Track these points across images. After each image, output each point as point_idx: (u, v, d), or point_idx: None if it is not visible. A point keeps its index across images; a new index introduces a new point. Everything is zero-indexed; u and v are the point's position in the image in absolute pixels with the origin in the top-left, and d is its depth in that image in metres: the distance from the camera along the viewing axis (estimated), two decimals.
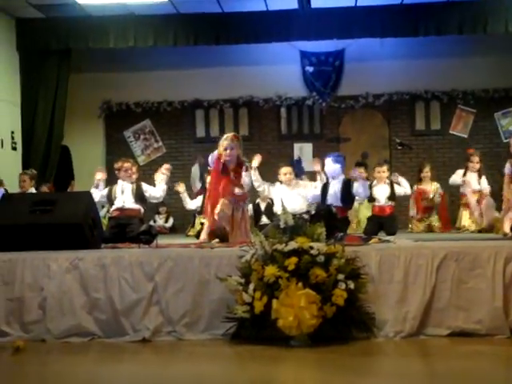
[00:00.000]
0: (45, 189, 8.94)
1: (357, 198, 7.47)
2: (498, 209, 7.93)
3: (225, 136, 6.06)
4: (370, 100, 11.05)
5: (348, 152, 9.82)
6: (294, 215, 4.60)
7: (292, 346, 3.94)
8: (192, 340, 4.23)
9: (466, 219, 8.57)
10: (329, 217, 5.16)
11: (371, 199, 8.10)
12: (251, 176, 6.85)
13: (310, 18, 9.70)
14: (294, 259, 3.98)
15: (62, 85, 10.35)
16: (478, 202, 8.42)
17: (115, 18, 9.78)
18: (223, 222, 5.77)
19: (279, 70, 10.74)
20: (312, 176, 7.96)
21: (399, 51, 10.62)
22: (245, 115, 11.40)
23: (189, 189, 8.77)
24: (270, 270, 3.98)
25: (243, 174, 6.02)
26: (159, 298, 4.33)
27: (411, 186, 8.65)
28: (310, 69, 11.12)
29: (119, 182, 7.10)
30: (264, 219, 8.47)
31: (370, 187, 7.69)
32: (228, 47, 10.31)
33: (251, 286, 4.01)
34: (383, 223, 7.93)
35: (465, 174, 8.63)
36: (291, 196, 7.33)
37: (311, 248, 4.04)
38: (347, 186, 6.97)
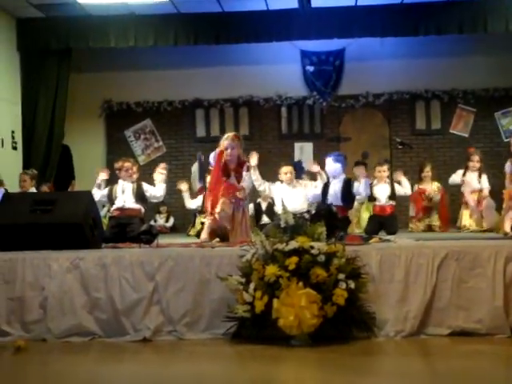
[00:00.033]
0: (45, 188, 8.94)
1: (357, 197, 7.46)
2: (499, 209, 7.94)
3: (225, 135, 6.06)
4: (371, 99, 11.04)
5: (348, 151, 9.80)
6: (294, 215, 4.61)
7: (293, 346, 3.94)
8: (193, 339, 4.23)
9: (466, 218, 8.56)
10: (329, 216, 5.15)
11: (372, 199, 8.09)
12: (253, 175, 6.85)
13: (311, 18, 9.70)
14: (294, 259, 3.98)
15: (63, 84, 10.35)
16: (478, 202, 8.42)
17: (116, 17, 9.77)
18: (224, 222, 5.78)
19: (280, 70, 10.74)
20: (313, 176, 7.95)
21: (399, 50, 10.61)
22: (245, 115, 11.39)
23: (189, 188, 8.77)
24: (271, 270, 3.98)
25: (244, 173, 6.02)
26: (160, 298, 4.34)
27: (412, 186, 8.65)
28: (310, 68, 11.12)
29: (120, 181, 7.09)
30: (265, 219, 8.47)
31: (371, 187, 7.69)
32: (228, 47, 10.30)
33: (252, 286, 4.02)
34: (384, 223, 7.93)
35: (465, 174, 8.62)
36: (292, 195, 7.33)
37: (312, 247, 4.04)
38: (348, 185, 6.97)
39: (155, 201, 7.41)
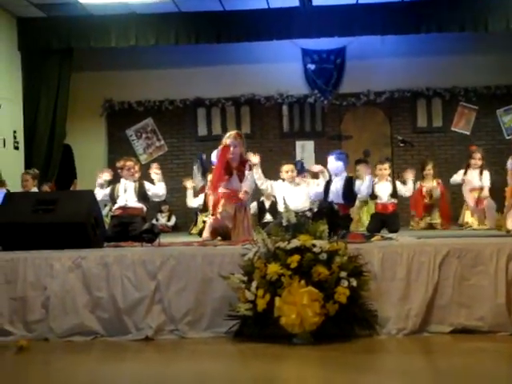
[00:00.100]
0: (46, 188, 8.93)
1: (358, 195, 7.45)
2: (501, 208, 7.93)
3: (228, 134, 6.06)
4: (372, 97, 11.03)
5: (350, 150, 9.76)
6: (296, 213, 4.60)
7: (295, 344, 3.94)
8: (195, 338, 4.24)
9: (468, 216, 8.55)
10: (331, 214, 5.15)
11: (373, 197, 8.09)
12: (256, 173, 6.86)
13: (312, 16, 9.68)
14: (296, 257, 3.98)
15: (64, 84, 10.35)
16: (479, 200, 8.40)
17: (117, 16, 9.76)
18: (225, 221, 5.78)
19: (281, 68, 10.73)
20: (315, 174, 7.94)
21: (400, 48, 10.59)
22: (247, 113, 11.39)
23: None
24: (273, 268, 3.98)
25: (246, 172, 6.02)
26: (162, 297, 4.34)
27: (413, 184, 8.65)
28: (311, 66, 11.11)
29: (122, 180, 7.10)
30: (268, 217, 8.47)
31: (372, 185, 7.67)
32: (229, 45, 10.29)
33: (254, 284, 4.02)
34: (386, 220, 7.92)
35: (466, 172, 8.61)
36: (294, 194, 7.32)
37: (314, 246, 4.04)
38: (349, 183, 6.95)
39: (157, 199, 7.43)
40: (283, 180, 7.58)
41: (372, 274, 4.19)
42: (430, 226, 8.67)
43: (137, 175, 7.13)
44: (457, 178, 8.69)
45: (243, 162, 6.01)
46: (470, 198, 8.46)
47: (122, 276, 4.36)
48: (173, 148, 11.42)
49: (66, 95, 10.37)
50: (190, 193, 8.77)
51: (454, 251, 4.27)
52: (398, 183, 8.28)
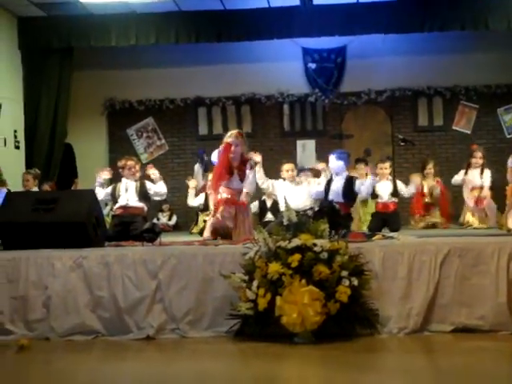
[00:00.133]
0: (46, 187, 8.92)
1: (358, 195, 7.44)
2: (502, 207, 7.93)
3: (229, 133, 6.05)
4: (373, 96, 11.02)
5: (351, 148, 9.75)
6: (297, 212, 4.60)
7: (296, 343, 3.95)
8: (195, 337, 4.24)
9: (469, 215, 8.54)
10: (332, 213, 5.15)
11: (374, 196, 8.08)
12: (257, 172, 6.86)
13: (312, 15, 9.67)
14: (297, 256, 3.98)
15: (65, 83, 10.34)
16: (479, 199, 8.40)
17: (117, 16, 9.75)
18: (226, 221, 5.78)
19: (281, 67, 10.72)
20: (316, 173, 7.94)
21: (401, 47, 10.58)
22: (247, 112, 11.38)
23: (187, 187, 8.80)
24: (274, 267, 3.98)
25: (247, 171, 6.01)
26: (163, 296, 4.34)
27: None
28: (312, 65, 11.10)
29: (123, 179, 7.10)
30: (269, 216, 8.46)
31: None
32: (230, 44, 10.28)
33: (255, 283, 4.02)
34: (387, 220, 7.92)
35: (467, 171, 8.60)
36: (294, 193, 7.32)
37: (314, 245, 4.04)
38: (350, 183, 6.93)
39: (159, 198, 7.43)
40: (284, 179, 7.58)
41: (373, 273, 4.19)
42: (431, 226, 8.66)
43: (138, 174, 7.14)
44: (458, 178, 8.68)
45: (244, 161, 6.00)
46: (469, 199, 8.46)
47: (122, 275, 4.36)
48: (173, 147, 11.41)
49: (67, 94, 10.37)
50: (191, 192, 8.78)
51: (455, 250, 4.26)
52: (399, 182, 8.27)
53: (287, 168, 7.58)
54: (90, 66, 10.80)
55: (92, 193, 5.45)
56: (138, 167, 7.17)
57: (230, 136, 5.95)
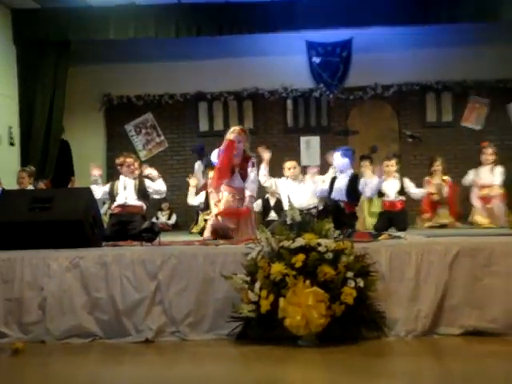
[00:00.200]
0: (41, 185, 8.93)
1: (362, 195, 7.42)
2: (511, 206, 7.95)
3: (231, 129, 6.05)
4: (379, 91, 11.01)
5: (356, 145, 9.76)
6: (301, 211, 4.60)
7: (299, 346, 3.94)
8: (196, 340, 4.24)
9: (478, 214, 8.54)
10: (337, 212, 5.15)
11: (380, 194, 8.07)
12: (262, 170, 6.87)
13: (317, 7, 9.65)
14: (301, 256, 3.97)
15: (61, 78, 10.35)
16: (487, 198, 8.40)
17: (115, 7, 9.75)
18: (227, 222, 5.78)
19: (285, 61, 10.72)
20: (322, 171, 7.94)
21: (409, 40, 10.56)
22: (249, 108, 11.38)
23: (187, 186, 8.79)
24: (277, 268, 3.97)
25: (249, 169, 6.01)
26: (162, 298, 4.34)
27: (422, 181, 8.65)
28: (316, 59, 11.09)
29: (121, 177, 7.11)
30: (272, 214, 8.47)
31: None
32: (232, 38, 10.27)
33: (257, 285, 4.01)
34: (393, 219, 7.91)
35: (478, 168, 8.61)
36: (298, 191, 7.32)
37: (319, 245, 4.03)
38: (354, 181, 6.92)
39: (158, 196, 7.44)
40: (287, 177, 7.58)
41: (379, 274, 4.19)
42: (439, 226, 8.64)
43: (137, 172, 7.15)
44: (468, 178, 8.68)
45: (246, 159, 6.00)
46: (476, 199, 8.47)
47: (121, 276, 4.36)
48: (173, 144, 11.42)
49: (63, 89, 10.37)
50: (191, 190, 8.78)
51: (465, 250, 4.26)
52: (406, 180, 8.25)
53: (289, 166, 7.58)
54: (87, 60, 10.80)
55: (89, 191, 5.45)
56: (136, 164, 7.19)
57: (233, 132, 5.95)
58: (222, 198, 5.88)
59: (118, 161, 7.27)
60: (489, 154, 8.56)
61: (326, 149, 10.15)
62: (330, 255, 4.00)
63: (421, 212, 8.90)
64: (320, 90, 11.10)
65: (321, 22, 9.75)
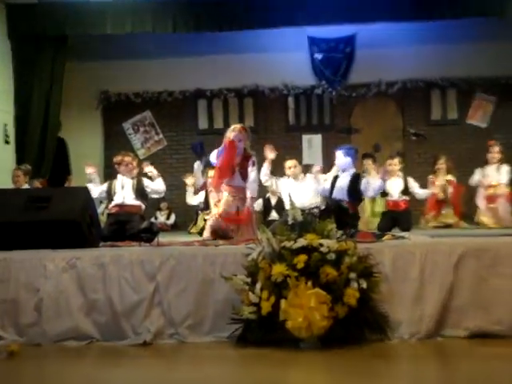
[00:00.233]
0: (37, 184, 8.94)
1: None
2: None
3: (232, 127, 6.06)
4: (383, 88, 11.02)
5: (359, 144, 9.78)
6: (302, 210, 4.60)
7: (301, 349, 3.95)
8: (196, 343, 4.24)
9: (483, 215, 8.55)
10: (339, 212, 5.15)
11: (384, 194, 8.07)
12: (265, 169, 6.88)
13: (319, 2, 9.65)
14: (303, 257, 3.98)
15: (58, 74, 10.34)
16: (492, 197, 8.40)
17: (112, 2, 9.74)
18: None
19: (286, 57, 10.72)
20: (326, 169, 7.94)
21: (414, 36, 10.56)
22: (250, 105, 11.39)
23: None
24: (278, 269, 3.98)
25: (249, 169, 6.02)
26: (161, 299, 4.34)
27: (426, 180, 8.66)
28: (319, 56, 11.10)
29: (119, 176, 7.11)
30: (273, 214, 8.48)
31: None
32: (232, 33, 10.27)
33: (258, 286, 4.02)
34: (397, 218, 7.91)
35: (484, 167, 8.61)
36: (299, 190, 7.32)
37: (321, 245, 4.03)
38: (356, 181, 6.90)
39: (157, 196, 7.45)
40: (288, 177, 7.58)
41: (383, 275, 4.19)
42: (444, 227, 8.65)
43: (135, 171, 7.15)
44: (475, 178, 8.68)
45: (247, 158, 6.01)
46: (481, 199, 8.48)
47: (118, 277, 4.37)
48: (172, 142, 11.44)
49: (60, 86, 10.37)
50: (190, 190, 8.80)
51: (471, 250, 4.26)
52: (410, 180, 8.26)
53: (290, 165, 7.58)
54: (84, 56, 10.80)
55: (86, 190, 5.46)
56: (134, 163, 7.19)
57: (233, 130, 5.96)
58: (221, 198, 5.89)
59: (116, 159, 7.27)
60: (495, 152, 8.57)
61: (328, 147, 10.17)
62: (332, 256, 4.00)
63: (425, 211, 8.90)
64: (322, 87, 11.10)
65: (323, 17, 9.74)
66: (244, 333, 4.13)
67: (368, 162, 8.52)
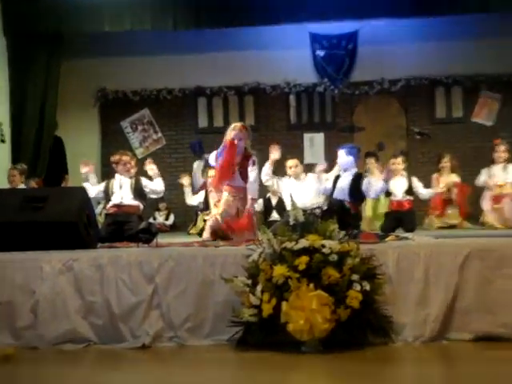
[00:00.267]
0: (33, 184, 8.95)
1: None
2: None
3: (232, 126, 6.06)
4: (386, 86, 11.02)
5: (362, 142, 9.77)
6: (304, 211, 4.60)
7: (303, 352, 3.94)
8: (195, 346, 4.24)
9: (490, 215, 8.55)
10: (342, 212, 5.15)
11: (387, 193, 8.08)
12: (266, 168, 6.88)
13: None
14: (304, 258, 3.97)
15: (54, 72, 10.35)
16: (499, 197, 8.40)
17: None
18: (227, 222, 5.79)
19: (288, 55, 10.72)
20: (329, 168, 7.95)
21: (417, 32, 10.56)
22: (251, 103, 11.40)
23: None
24: (279, 270, 3.97)
25: (249, 168, 6.02)
26: (160, 301, 4.34)
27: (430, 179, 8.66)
28: (320, 53, 11.10)
29: (117, 176, 7.12)
30: (274, 215, 8.48)
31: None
32: (232, 30, 10.28)
33: (259, 288, 4.01)
34: (401, 219, 7.91)
35: (490, 167, 8.62)
36: (301, 190, 7.32)
37: (323, 246, 4.03)
38: (357, 181, 6.91)
39: (155, 196, 7.46)
40: (289, 176, 7.58)
41: (386, 277, 4.18)
42: (449, 227, 8.65)
43: (133, 171, 7.15)
44: (482, 178, 8.67)
45: (247, 157, 6.01)
46: (487, 202, 8.48)
47: (116, 279, 4.36)
48: (171, 141, 11.44)
49: (56, 84, 10.38)
50: (187, 190, 8.79)
51: (476, 252, 4.25)
52: (414, 179, 8.26)
53: (290, 164, 7.59)
54: (81, 53, 10.81)
55: (83, 190, 5.46)
56: (133, 163, 7.20)
57: (234, 129, 5.96)
58: (222, 198, 5.89)
59: (113, 159, 7.28)
60: (501, 151, 8.58)
61: (330, 146, 10.17)
62: (334, 257, 4.00)
63: (429, 211, 8.90)
64: (324, 84, 11.10)
65: (325, 13, 9.74)
66: (244, 336, 4.12)
67: (371, 161, 8.53)
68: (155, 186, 7.07)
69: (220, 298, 4.28)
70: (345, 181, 6.89)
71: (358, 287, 3.95)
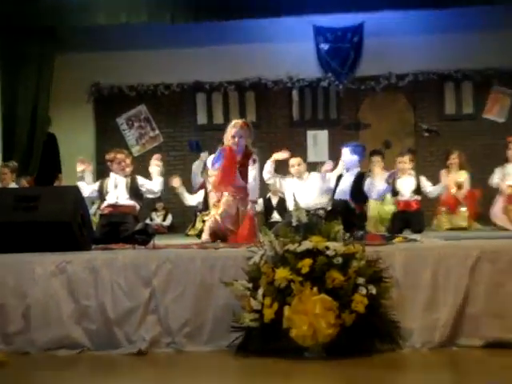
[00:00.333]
0: (24, 183, 8.94)
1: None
2: None
3: (233, 122, 6.06)
4: (393, 81, 11.01)
5: (368, 140, 9.78)
6: (307, 211, 4.60)
7: (306, 359, 3.94)
8: (193, 352, 4.24)
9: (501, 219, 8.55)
10: (346, 213, 5.15)
11: (394, 193, 8.07)
12: (268, 166, 6.88)
13: None
14: (307, 261, 3.97)
15: (47, 66, 10.36)
16: (511, 196, 8.41)
17: None
18: (226, 224, 5.79)
19: (290, 48, 10.72)
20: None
21: (426, 25, 10.55)
22: (252, 99, 11.39)
23: (186, 184, 8.75)
24: (282, 274, 3.97)
25: (250, 167, 6.02)
26: (157, 305, 4.34)
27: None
28: (325, 46, 11.09)
29: (111, 175, 7.11)
30: (275, 215, 8.48)
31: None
32: (232, 23, 10.28)
33: (260, 292, 4.01)
34: (409, 220, 7.90)
35: (503, 166, 8.62)
36: (303, 190, 7.32)
37: (327, 248, 4.03)
38: (359, 181, 6.90)
39: (151, 196, 7.44)
40: (292, 176, 7.58)
41: (393, 280, 4.18)
42: (457, 229, 8.64)
43: (128, 169, 7.14)
44: (496, 178, 8.65)
45: (248, 155, 6.01)
46: (498, 205, 8.48)
47: (111, 282, 4.36)
48: (169, 138, 11.44)
49: (49, 79, 10.39)
50: (182, 191, 8.74)
51: (487, 254, 4.25)
52: (423, 179, 8.25)
53: (293, 162, 7.58)
54: (75, 47, 10.81)
55: (77, 189, 5.47)
56: (128, 161, 7.18)
57: (234, 126, 5.96)
58: (221, 198, 5.90)
59: (108, 157, 7.26)
60: None
61: (334, 144, 10.16)
62: (339, 260, 4.00)
63: (439, 205, 8.86)
64: (328, 79, 11.10)
65: (329, 4, 9.74)
66: (245, 341, 4.12)
67: (377, 159, 8.53)
68: (152, 185, 7.04)
69: (220, 302, 4.28)
70: (346, 181, 6.90)
71: (364, 291, 3.95)
